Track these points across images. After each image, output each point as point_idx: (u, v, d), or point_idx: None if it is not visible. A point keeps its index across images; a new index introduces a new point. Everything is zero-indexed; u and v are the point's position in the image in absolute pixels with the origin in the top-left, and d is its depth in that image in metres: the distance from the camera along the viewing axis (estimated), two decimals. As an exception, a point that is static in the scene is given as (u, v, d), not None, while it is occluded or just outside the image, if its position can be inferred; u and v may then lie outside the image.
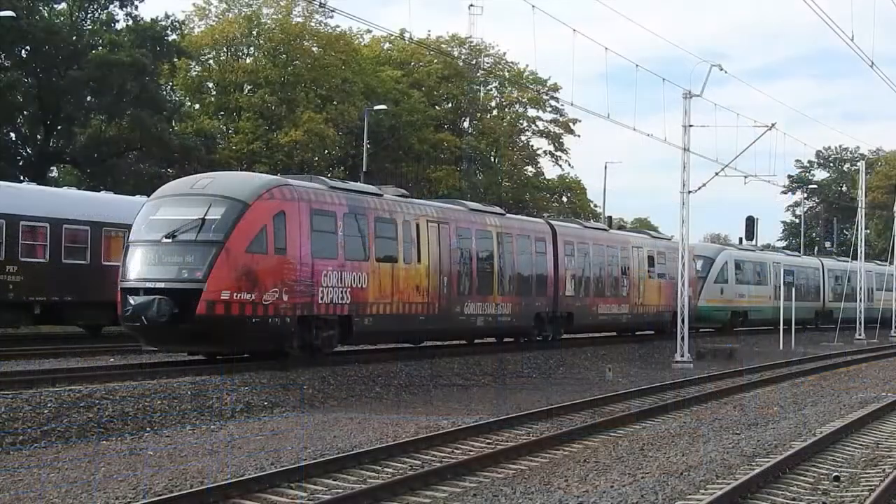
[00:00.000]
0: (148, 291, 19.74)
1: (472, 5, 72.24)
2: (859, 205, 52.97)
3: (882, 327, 53.36)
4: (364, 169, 50.69)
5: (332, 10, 43.31)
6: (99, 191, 35.77)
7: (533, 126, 74.49)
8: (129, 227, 21.55)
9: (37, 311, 28.34)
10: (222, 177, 22.64)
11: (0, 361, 21.43)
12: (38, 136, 49.37)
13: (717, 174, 35.13)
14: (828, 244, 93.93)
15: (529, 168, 75.08)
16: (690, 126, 33.08)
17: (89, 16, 51.34)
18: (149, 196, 22.92)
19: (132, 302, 19.78)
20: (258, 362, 21.15)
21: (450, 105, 71.75)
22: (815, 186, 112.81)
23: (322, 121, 56.48)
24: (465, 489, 12.09)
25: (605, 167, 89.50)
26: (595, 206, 77.54)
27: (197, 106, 60.26)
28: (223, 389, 18.51)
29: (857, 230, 53.22)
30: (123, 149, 50.91)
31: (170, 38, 51.09)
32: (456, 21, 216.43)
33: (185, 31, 56.56)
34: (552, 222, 33.35)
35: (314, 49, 59.89)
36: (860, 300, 52.32)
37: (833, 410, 20.14)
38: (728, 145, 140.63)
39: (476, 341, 30.16)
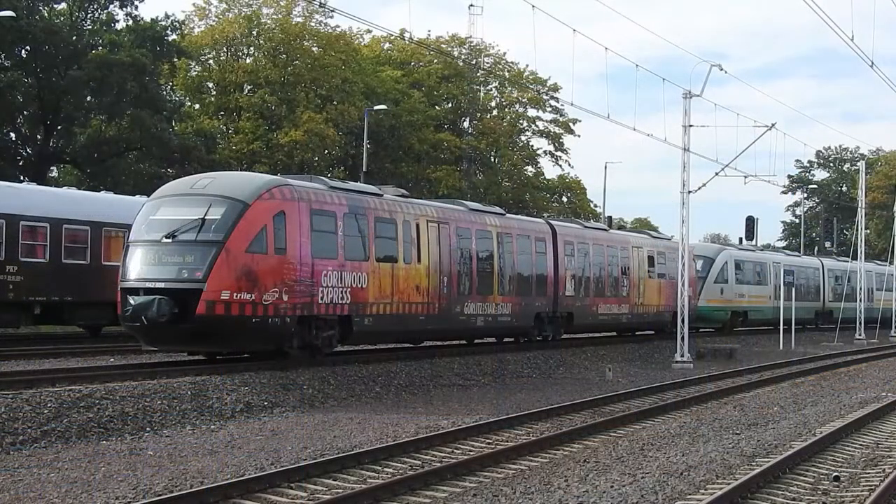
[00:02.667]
0: (148, 291, 19.75)
1: (472, 5, 72.38)
2: (859, 205, 52.96)
3: (882, 327, 53.37)
4: (364, 169, 50.73)
5: (332, 10, 43.71)
6: (99, 191, 35.75)
7: (533, 126, 74.51)
8: (129, 227, 21.55)
9: (37, 311, 28.33)
10: (222, 177, 22.64)
11: (0, 361, 21.44)
12: (38, 136, 49.35)
13: (717, 174, 35.21)
14: (828, 244, 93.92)
15: (529, 168, 75.06)
16: (690, 126, 33.10)
17: (89, 16, 51.33)
18: (149, 196, 22.93)
19: (132, 302, 19.79)
20: (258, 362, 21.16)
21: (450, 105, 71.72)
22: (815, 186, 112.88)
23: (322, 121, 56.45)
24: (465, 489, 12.10)
25: (605, 167, 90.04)
26: (595, 206, 77.58)
27: (197, 106, 60.22)
28: (223, 389, 18.52)
29: (856, 230, 53.20)
30: (123, 149, 50.87)
31: (170, 38, 51.12)
32: (456, 21, 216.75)
33: (185, 31, 56.55)
34: (552, 222, 33.33)
35: (314, 49, 59.88)
36: (860, 300, 52.29)
37: (833, 410, 20.13)
38: (728, 145, 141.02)
39: (476, 341, 30.16)
